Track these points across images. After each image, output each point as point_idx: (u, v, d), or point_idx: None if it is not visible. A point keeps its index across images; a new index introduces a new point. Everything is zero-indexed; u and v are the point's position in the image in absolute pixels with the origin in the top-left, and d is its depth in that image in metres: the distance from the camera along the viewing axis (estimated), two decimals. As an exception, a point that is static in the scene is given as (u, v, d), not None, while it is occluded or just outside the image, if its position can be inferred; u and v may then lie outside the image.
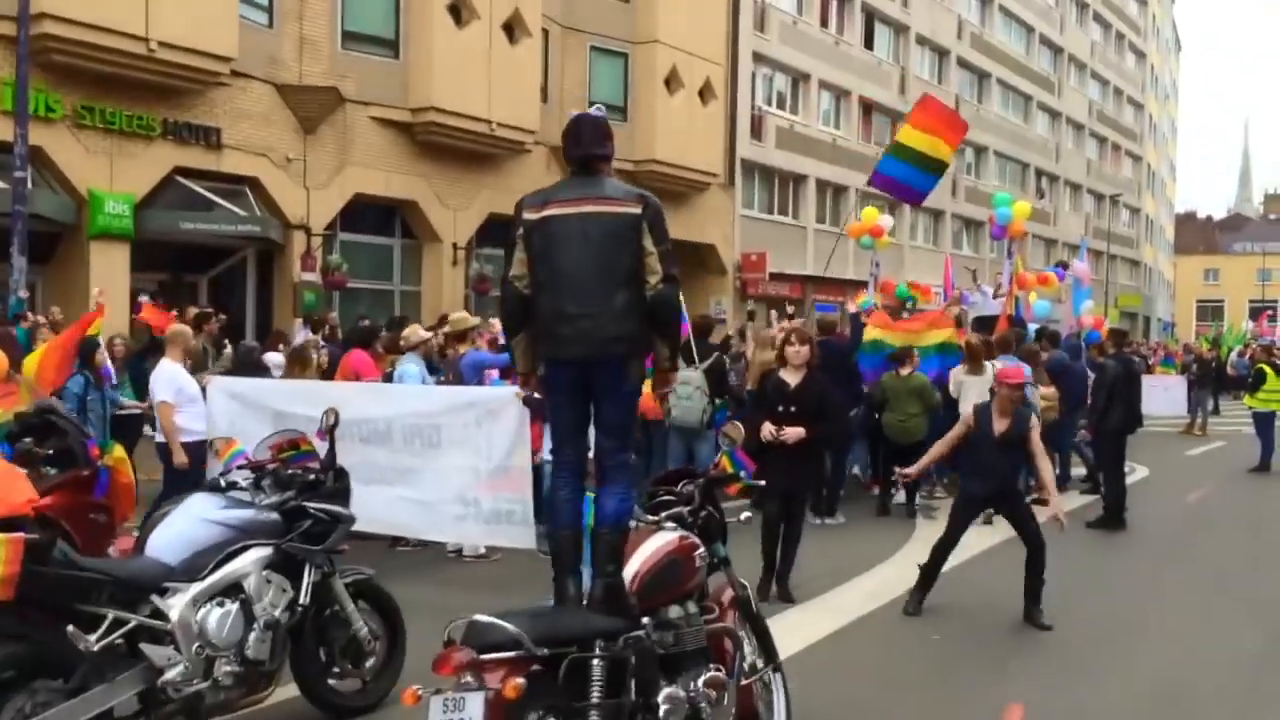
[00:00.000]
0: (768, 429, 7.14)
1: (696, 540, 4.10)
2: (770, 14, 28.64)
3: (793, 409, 7.27)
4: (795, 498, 7.52)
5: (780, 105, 29.89)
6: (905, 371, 10.88)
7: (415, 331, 9.76)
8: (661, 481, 4.40)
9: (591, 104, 4.60)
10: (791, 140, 29.76)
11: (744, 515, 4.78)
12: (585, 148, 4.04)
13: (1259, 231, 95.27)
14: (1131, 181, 57.40)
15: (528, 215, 3.99)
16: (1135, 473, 15.20)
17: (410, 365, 9.23)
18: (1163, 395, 20.57)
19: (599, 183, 4.00)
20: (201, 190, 15.55)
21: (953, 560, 7.40)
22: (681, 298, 4.84)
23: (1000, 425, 7.01)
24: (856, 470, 12.61)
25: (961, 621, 7.07)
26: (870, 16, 33.56)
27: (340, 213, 17.80)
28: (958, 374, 11.11)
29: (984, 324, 15.16)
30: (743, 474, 4.67)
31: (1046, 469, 7.18)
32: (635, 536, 3.94)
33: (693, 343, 9.87)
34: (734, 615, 4.22)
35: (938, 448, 7.54)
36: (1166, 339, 52.68)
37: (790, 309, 20.81)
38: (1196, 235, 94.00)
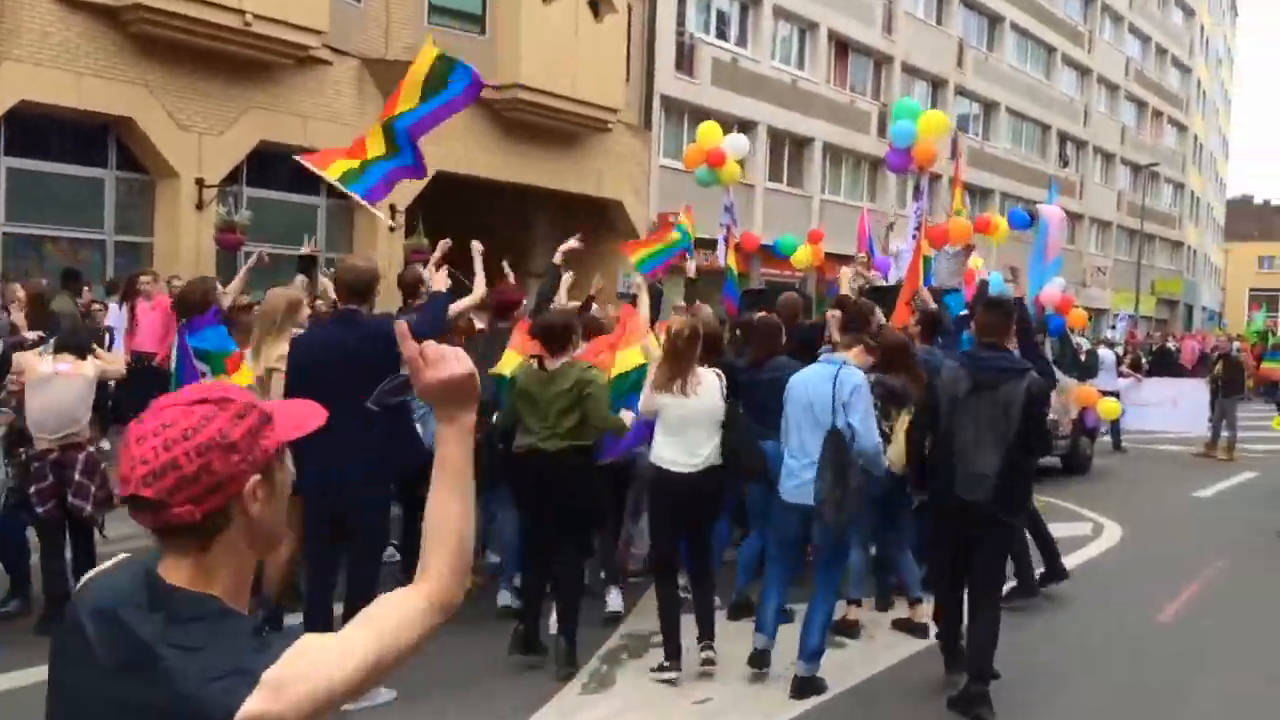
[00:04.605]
0: None
1: None
2: (706, -83, 23.15)
3: None
4: None
5: (721, 34, 24.36)
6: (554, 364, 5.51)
7: None
8: None
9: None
10: (734, 78, 24.20)
11: None
12: None
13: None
14: (1174, 153, 50.86)
15: None
16: (1099, 537, 9.75)
17: None
18: (1170, 407, 14.79)
19: None
20: None
21: None
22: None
23: None
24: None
25: None
26: (848, -65, 27.89)
27: (3, 130, 12.77)
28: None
29: (880, 298, 9.87)
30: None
31: None
32: None
33: None
34: None
35: None
36: (1210, 330, 46.45)
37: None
38: (1251, 220, 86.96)
